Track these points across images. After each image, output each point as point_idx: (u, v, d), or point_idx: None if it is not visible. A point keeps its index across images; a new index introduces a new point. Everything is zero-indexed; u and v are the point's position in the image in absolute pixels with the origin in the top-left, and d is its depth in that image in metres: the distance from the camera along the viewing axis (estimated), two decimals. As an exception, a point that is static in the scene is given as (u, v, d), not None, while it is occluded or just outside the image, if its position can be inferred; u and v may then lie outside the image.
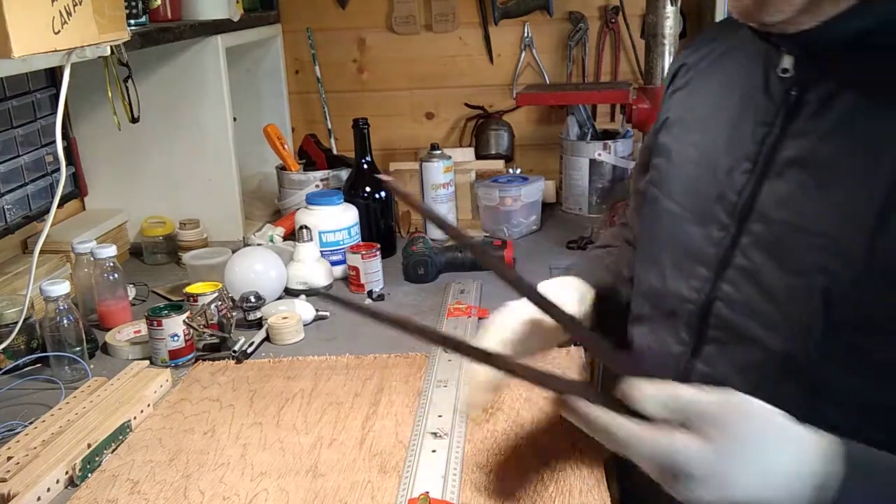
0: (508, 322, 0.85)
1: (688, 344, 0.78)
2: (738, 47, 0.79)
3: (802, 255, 0.67)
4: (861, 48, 0.66)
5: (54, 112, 1.61)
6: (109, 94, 1.46)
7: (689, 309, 0.78)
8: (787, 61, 0.71)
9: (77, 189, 1.82)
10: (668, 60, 1.79)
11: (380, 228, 1.75)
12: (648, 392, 0.60)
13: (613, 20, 2.12)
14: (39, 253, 1.24)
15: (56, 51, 1.07)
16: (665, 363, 0.80)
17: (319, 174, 1.90)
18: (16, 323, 1.25)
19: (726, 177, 0.75)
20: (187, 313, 1.27)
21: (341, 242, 1.63)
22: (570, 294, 0.94)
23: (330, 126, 2.16)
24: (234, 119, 1.86)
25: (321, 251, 1.61)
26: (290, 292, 1.55)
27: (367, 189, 1.75)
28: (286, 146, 1.95)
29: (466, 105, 2.20)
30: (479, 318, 1.38)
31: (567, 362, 1.20)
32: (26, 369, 1.27)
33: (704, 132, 0.80)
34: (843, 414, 0.65)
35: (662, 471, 0.60)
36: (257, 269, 1.49)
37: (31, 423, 1.08)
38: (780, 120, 0.71)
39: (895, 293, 0.61)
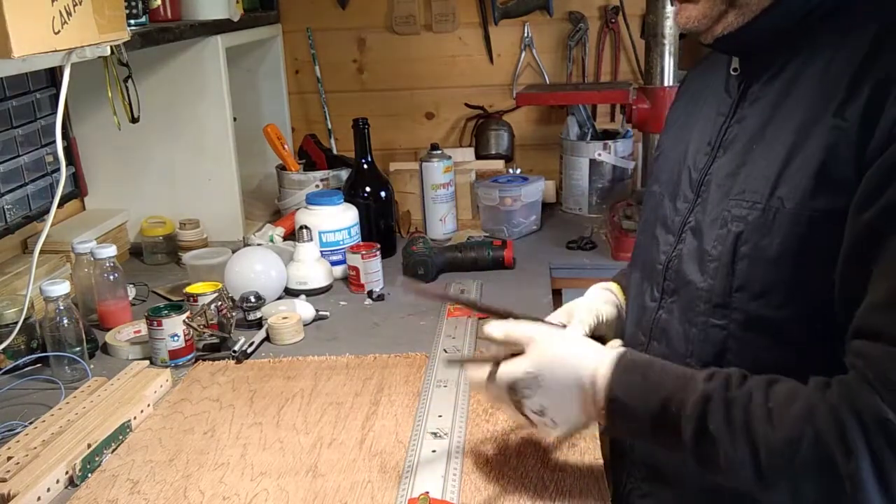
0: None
1: (656, 300, 0.90)
2: (721, 57, 0.92)
3: (729, 210, 0.80)
4: (782, 44, 0.79)
5: (54, 112, 1.61)
6: (109, 94, 1.46)
7: (658, 269, 0.90)
8: (735, 62, 0.86)
9: (77, 189, 1.82)
10: (668, 60, 1.79)
11: (380, 228, 1.75)
12: (494, 326, 0.86)
13: (613, 20, 2.12)
14: (39, 253, 1.24)
15: (56, 51, 1.07)
16: (645, 318, 0.92)
17: (319, 174, 1.90)
18: (16, 323, 1.25)
19: (693, 159, 0.89)
20: (187, 313, 1.27)
21: (341, 242, 1.63)
22: (603, 292, 1.06)
23: (330, 126, 2.16)
24: (234, 119, 1.86)
25: (321, 251, 1.61)
26: (290, 292, 1.56)
27: (367, 189, 1.75)
28: (286, 146, 1.95)
29: (466, 105, 2.20)
30: (479, 319, 1.38)
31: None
32: (26, 369, 1.27)
33: (685, 128, 0.94)
34: (757, 337, 0.78)
35: (510, 388, 0.83)
36: (257, 269, 1.49)
37: (31, 423, 1.08)
38: (731, 110, 0.85)
39: (780, 232, 0.75)
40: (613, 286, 1.07)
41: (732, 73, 0.86)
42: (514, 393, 0.82)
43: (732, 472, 0.70)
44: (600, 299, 1.03)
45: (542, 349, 0.82)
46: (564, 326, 0.95)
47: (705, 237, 0.83)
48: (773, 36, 0.80)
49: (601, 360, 0.80)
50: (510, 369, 0.83)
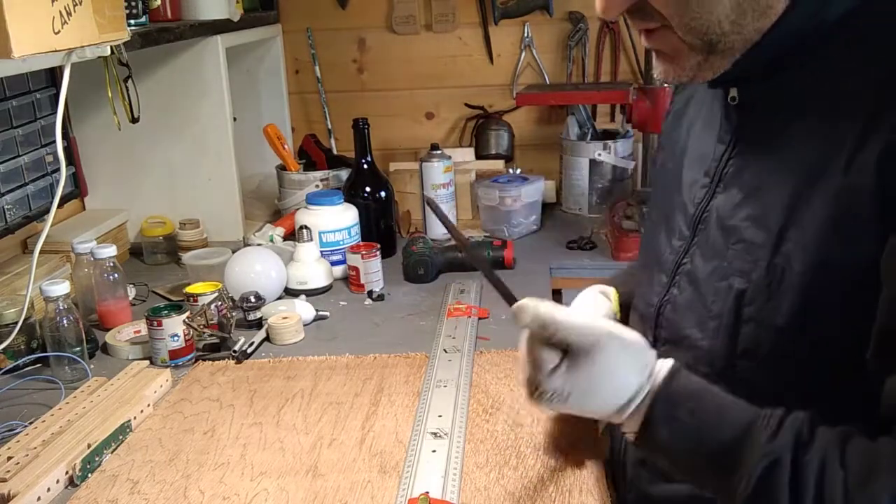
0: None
1: (650, 344, 0.79)
2: None
3: (730, 260, 0.74)
4: (784, 66, 0.72)
5: (54, 112, 1.61)
6: (109, 94, 1.45)
7: (651, 312, 0.85)
8: (733, 90, 0.77)
9: (77, 189, 1.82)
10: (668, 60, 1.79)
11: (380, 228, 1.75)
12: (528, 304, 0.71)
13: (613, 20, 2.11)
14: (39, 253, 1.24)
15: (56, 51, 1.07)
16: None
17: (319, 174, 1.90)
18: (16, 323, 1.25)
19: (689, 190, 0.82)
20: (187, 313, 1.27)
21: (341, 242, 1.63)
22: (597, 297, 1.01)
23: (330, 126, 2.16)
24: (234, 119, 1.86)
25: (321, 251, 1.61)
26: (290, 292, 1.56)
27: (367, 189, 1.75)
28: (286, 146, 1.95)
29: (466, 105, 2.20)
30: (479, 318, 1.38)
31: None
32: (26, 369, 1.27)
33: (679, 147, 0.88)
34: (763, 404, 0.68)
35: (530, 374, 0.72)
36: (257, 269, 1.49)
37: (31, 423, 1.08)
38: (731, 140, 0.78)
39: (789, 296, 0.68)
40: (610, 292, 1.02)
41: (731, 101, 0.77)
42: (527, 377, 0.72)
43: None
44: (597, 307, 0.98)
45: (589, 358, 0.70)
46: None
47: (703, 288, 0.77)
48: (771, 62, 0.72)
49: (644, 386, 0.70)
50: (542, 359, 0.71)
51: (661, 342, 0.83)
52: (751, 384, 0.70)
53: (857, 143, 0.65)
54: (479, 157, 2.08)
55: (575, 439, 0.99)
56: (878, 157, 0.63)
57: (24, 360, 1.26)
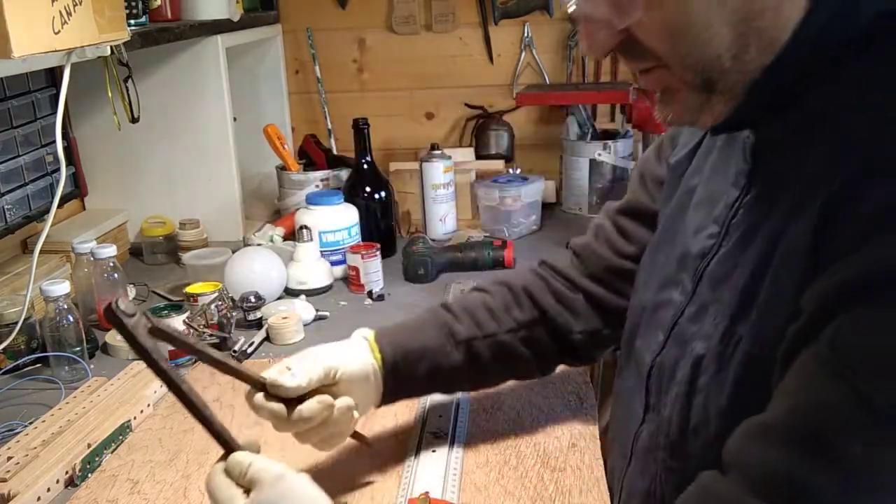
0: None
1: (640, 413, 0.78)
2: None
3: (708, 323, 0.67)
4: (791, 109, 0.63)
5: (54, 112, 1.61)
6: (109, 94, 1.46)
7: (643, 370, 0.78)
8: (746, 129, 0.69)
9: (77, 189, 1.82)
10: (668, 60, 1.80)
11: (380, 228, 1.75)
12: (235, 458, 0.70)
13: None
14: (39, 253, 1.24)
15: (56, 51, 1.07)
16: (628, 428, 0.80)
17: (319, 174, 1.90)
18: (16, 323, 1.25)
19: (696, 237, 0.73)
20: (187, 313, 1.27)
21: (341, 242, 1.63)
22: (351, 349, 0.91)
23: (330, 126, 2.16)
24: (234, 119, 1.86)
25: (321, 251, 1.61)
26: (290, 292, 1.55)
27: (367, 189, 1.75)
28: (286, 146, 1.95)
29: (466, 105, 2.20)
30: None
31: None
32: (26, 369, 1.27)
33: (686, 187, 0.79)
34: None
35: None
36: (257, 269, 1.49)
37: (31, 423, 1.08)
38: (746, 184, 0.68)
39: (735, 374, 0.62)
40: (370, 337, 0.92)
41: (745, 140, 0.68)
42: None
43: None
44: (347, 352, 0.89)
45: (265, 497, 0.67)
46: (290, 369, 0.82)
47: (686, 351, 0.69)
48: (779, 96, 0.62)
49: None
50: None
51: (650, 407, 0.76)
52: (703, 462, 0.64)
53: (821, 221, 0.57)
54: (479, 157, 2.08)
55: None
56: (815, 228, 0.57)
57: (24, 360, 1.26)
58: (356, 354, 0.90)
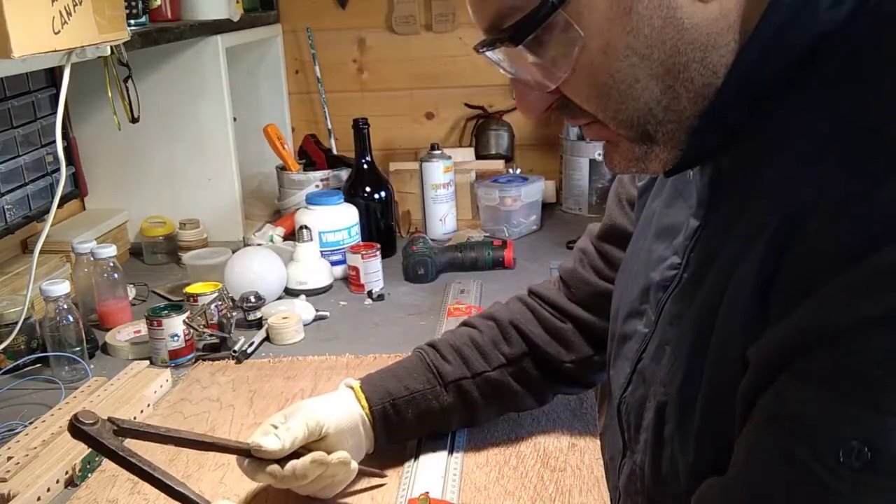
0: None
1: (620, 449, 0.75)
2: None
3: (665, 364, 0.64)
4: (739, 137, 0.59)
5: (54, 112, 1.60)
6: (109, 94, 1.46)
7: (615, 404, 0.75)
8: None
9: (77, 189, 1.82)
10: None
11: (380, 228, 1.75)
12: None
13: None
14: (39, 253, 1.24)
15: (56, 51, 1.07)
16: (616, 451, 0.77)
17: (319, 174, 1.90)
18: (16, 323, 1.25)
19: (655, 267, 0.70)
20: (187, 313, 1.27)
21: (341, 242, 1.63)
22: (337, 401, 0.93)
23: (330, 126, 2.16)
24: (234, 119, 1.86)
25: (321, 251, 1.61)
26: (290, 292, 1.55)
27: (367, 189, 1.75)
28: (286, 146, 1.95)
29: (466, 105, 2.20)
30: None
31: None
32: (26, 369, 1.27)
33: (648, 215, 0.77)
34: None
35: None
36: (257, 269, 1.49)
37: (31, 423, 1.08)
38: (703, 215, 0.64)
39: (697, 422, 0.59)
40: (356, 386, 0.94)
41: (702, 171, 0.64)
42: None
43: None
44: (333, 405, 0.91)
45: None
46: (275, 428, 0.84)
47: (648, 391, 0.67)
48: (724, 134, 0.59)
49: None
50: None
51: (624, 445, 0.73)
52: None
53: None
54: (479, 157, 2.08)
55: None
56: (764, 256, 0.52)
57: (24, 360, 1.26)
58: (343, 406, 0.91)
